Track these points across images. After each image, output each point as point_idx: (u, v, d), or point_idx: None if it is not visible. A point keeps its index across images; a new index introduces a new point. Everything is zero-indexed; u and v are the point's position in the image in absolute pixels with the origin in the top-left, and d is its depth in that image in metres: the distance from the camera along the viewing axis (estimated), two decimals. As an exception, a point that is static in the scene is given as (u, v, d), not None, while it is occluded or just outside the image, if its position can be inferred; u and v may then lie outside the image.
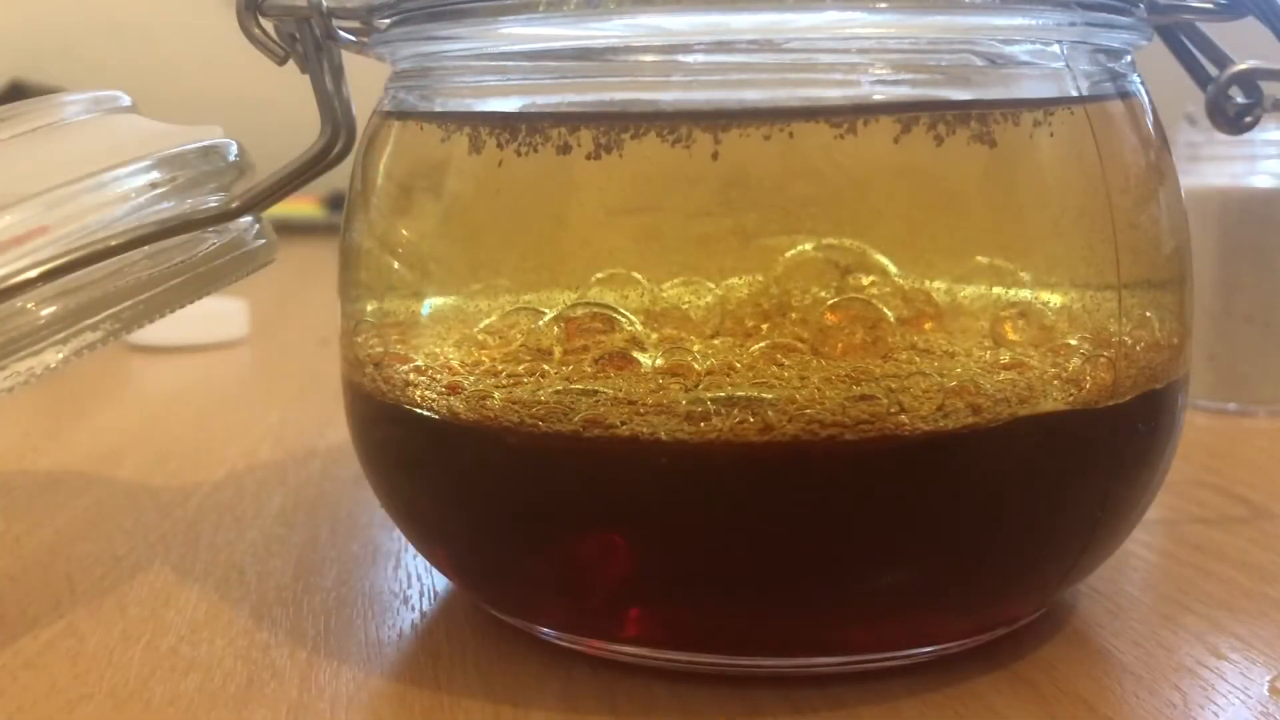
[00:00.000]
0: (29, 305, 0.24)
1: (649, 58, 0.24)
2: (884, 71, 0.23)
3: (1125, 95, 0.26)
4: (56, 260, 0.24)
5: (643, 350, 0.23)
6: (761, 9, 0.23)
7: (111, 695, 0.25)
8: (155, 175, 0.26)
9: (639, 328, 0.23)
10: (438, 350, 0.25)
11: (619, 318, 0.23)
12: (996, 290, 0.24)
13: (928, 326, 0.23)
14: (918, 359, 0.23)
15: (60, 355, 0.24)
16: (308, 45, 0.26)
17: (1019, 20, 0.24)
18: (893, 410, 0.22)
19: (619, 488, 0.24)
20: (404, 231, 0.27)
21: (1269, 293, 0.46)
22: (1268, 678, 0.25)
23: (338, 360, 0.29)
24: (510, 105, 0.25)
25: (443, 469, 0.26)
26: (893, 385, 0.22)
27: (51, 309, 0.24)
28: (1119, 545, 0.27)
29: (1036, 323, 0.24)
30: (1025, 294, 0.24)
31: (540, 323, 0.24)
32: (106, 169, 0.25)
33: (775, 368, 0.23)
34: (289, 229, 0.87)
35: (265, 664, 0.26)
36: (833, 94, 0.24)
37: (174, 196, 0.26)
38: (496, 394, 0.24)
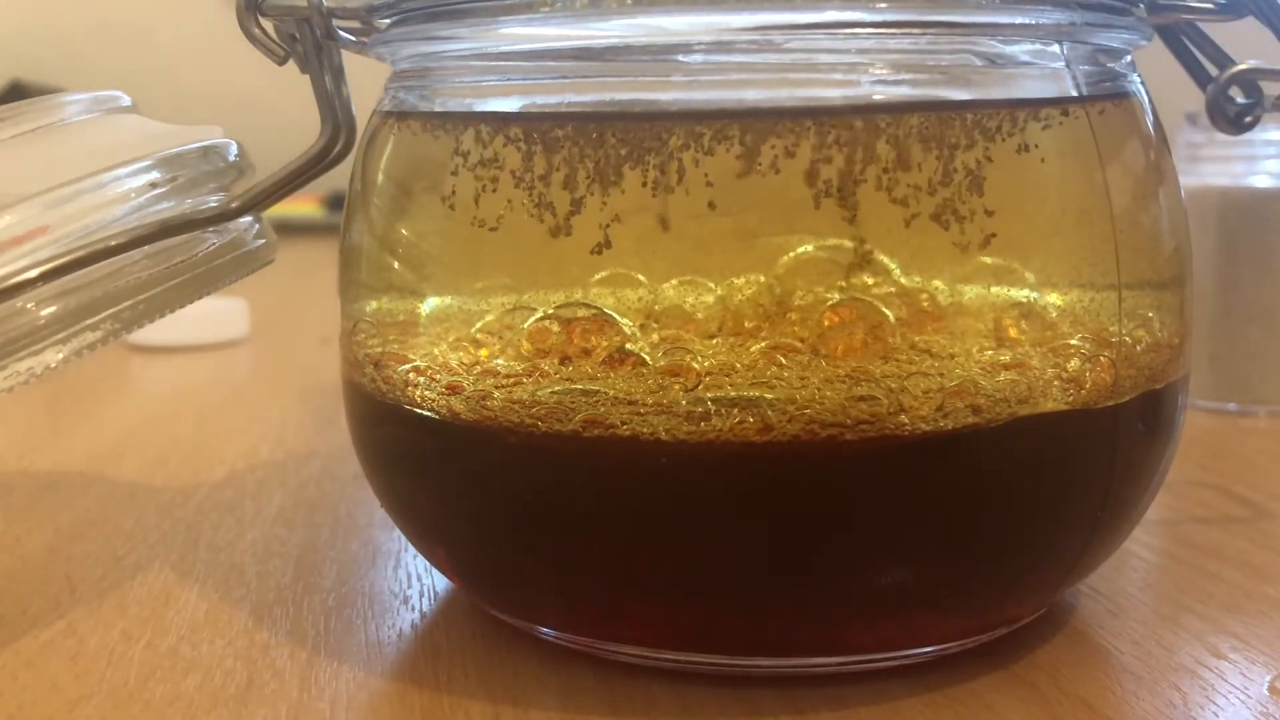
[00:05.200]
0: (29, 305, 0.24)
1: (649, 58, 0.24)
2: (884, 71, 0.23)
3: (1125, 95, 0.26)
4: (56, 260, 0.24)
5: (643, 350, 0.23)
6: (761, 9, 0.23)
7: (111, 695, 0.25)
8: (155, 175, 0.26)
9: (638, 328, 0.23)
10: (437, 350, 0.25)
11: (618, 318, 0.23)
12: (996, 290, 0.24)
13: (928, 327, 0.23)
14: (918, 359, 0.23)
15: (60, 355, 0.24)
16: (308, 45, 0.26)
17: (1019, 20, 0.24)
18: (893, 410, 0.22)
19: (619, 488, 0.24)
20: (404, 231, 0.27)
21: (1269, 293, 0.46)
22: (1268, 678, 0.25)
23: (338, 360, 0.29)
24: (510, 105, 0.25)
25: (443, 469, 0.26)
26: (893, 385, 0.22)
27: (51, 309, 0.24)
28: (1119, 545, 0.27)
29: (1037, 323, 0.24)
30: (1025, 294, 0.24)
31: (540, 323, 0.24)
32: (106, 169, 0.25)
33: (775, 368, 0.23)
34: (289, 229, 0.87)
35: (265, 664, 0.26)
36: (833, 94, 0.24)
37: (174, 196, 0.26)
38: (496, 394, 0.24)
